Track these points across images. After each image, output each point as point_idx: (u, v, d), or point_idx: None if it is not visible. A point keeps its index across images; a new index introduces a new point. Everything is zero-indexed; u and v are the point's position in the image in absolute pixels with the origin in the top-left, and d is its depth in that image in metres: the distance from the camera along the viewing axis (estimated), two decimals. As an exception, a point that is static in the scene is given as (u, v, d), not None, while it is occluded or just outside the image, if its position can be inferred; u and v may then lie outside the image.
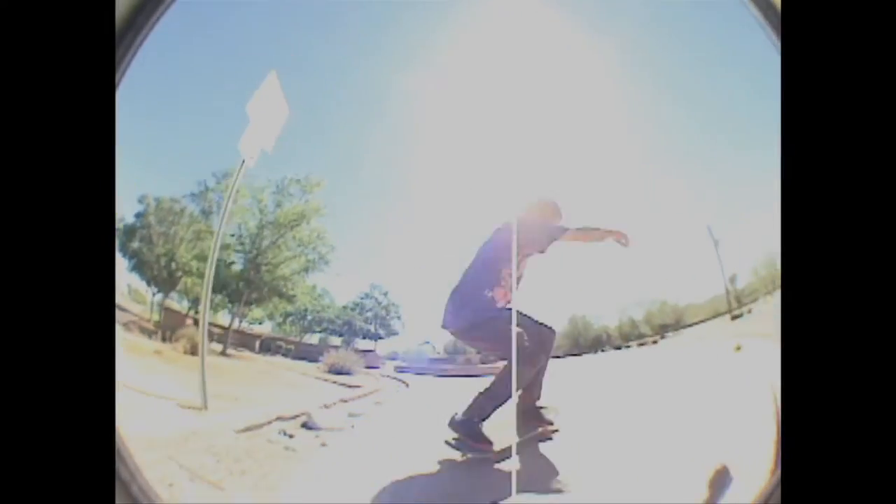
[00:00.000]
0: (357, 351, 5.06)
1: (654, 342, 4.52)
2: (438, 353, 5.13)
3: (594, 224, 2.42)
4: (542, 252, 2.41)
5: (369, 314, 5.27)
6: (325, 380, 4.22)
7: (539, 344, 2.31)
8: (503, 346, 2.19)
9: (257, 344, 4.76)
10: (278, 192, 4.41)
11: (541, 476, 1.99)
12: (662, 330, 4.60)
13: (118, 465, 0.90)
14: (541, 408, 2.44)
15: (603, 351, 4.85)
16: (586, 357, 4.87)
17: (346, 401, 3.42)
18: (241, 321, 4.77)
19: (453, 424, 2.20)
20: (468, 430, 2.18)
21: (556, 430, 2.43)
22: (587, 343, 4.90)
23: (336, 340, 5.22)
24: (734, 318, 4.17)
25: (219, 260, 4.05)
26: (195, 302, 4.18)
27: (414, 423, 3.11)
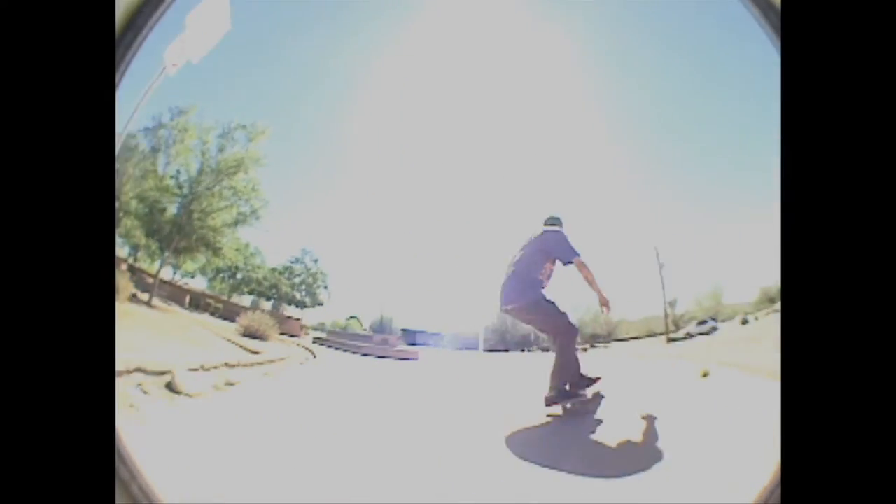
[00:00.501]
0: (278, 316, 4.83)
1: (584, 349, 4.62)
2: (364, 329, 5.05)
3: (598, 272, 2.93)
4: (563, 264, 2.93)
5: (297, 280, 5.07)
6: (234, 342, 3.98)
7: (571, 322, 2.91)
8: (557, 321, 2.80)
9: (187, 299, 4.59)
10: (224, 135, 4.26)
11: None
12: (593, 339, 4.84)
13: (118, 465, 0.90)
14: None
15: (529, 350, 5.01)
16: (512, 354, 5.01)
17: (232, 366, 3.15)
18: (174, 273, 4.62)
19: (550, 401, 2.73)
20: (562, 395, 2.74)
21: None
22: (514, 340, 5.05)
23: (267, 305, 5.02)
24: (670, 340, 4.36)
25: (154, 203, 4.08)
26: (135, 249, 4.17)
27: (291, 403, 2.99)
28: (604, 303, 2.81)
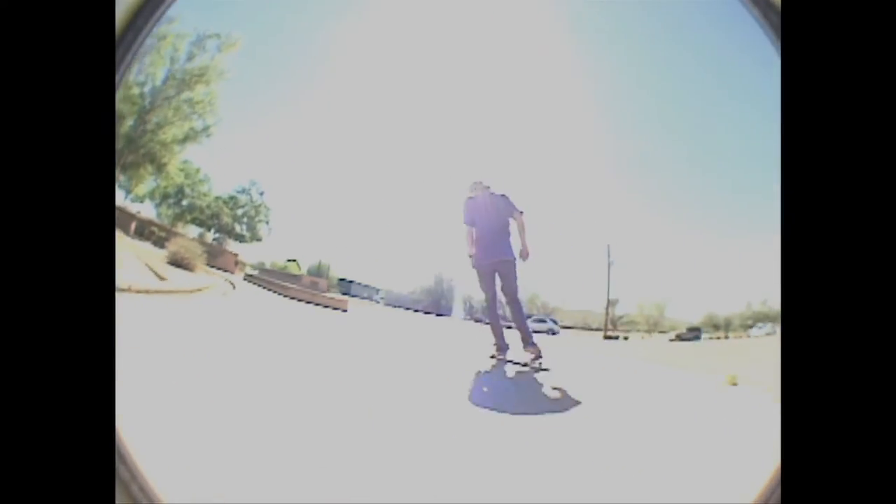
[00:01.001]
0: (212, 248, 4.58)
1: (510, 327, 4.62)
2: (300, 272, 4.87)
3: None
4: (511, 218, 3.45)
5: (240, 212, 4.79)
6: (153, 269, 3.76)
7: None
8: (517, 281, 3.40)
9: (133, 226, 4.32)
10: (196, 43, 4.02)
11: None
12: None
13: (118, 465, 0.90)
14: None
15: (468, 319, 4.83)
16: (443, 318, 4.91)
17: (137, 291, 2.99)
18: (125, 197, 4.33)
19: (531, 346, 3.33)
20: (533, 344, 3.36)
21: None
22: (448, 306, 4.93)
23: (211, 237, 4.79)
24: (607, 337, 4.45)
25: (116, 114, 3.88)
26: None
27: (189, 334, 2.92)
28: (525, 254, 3.35)
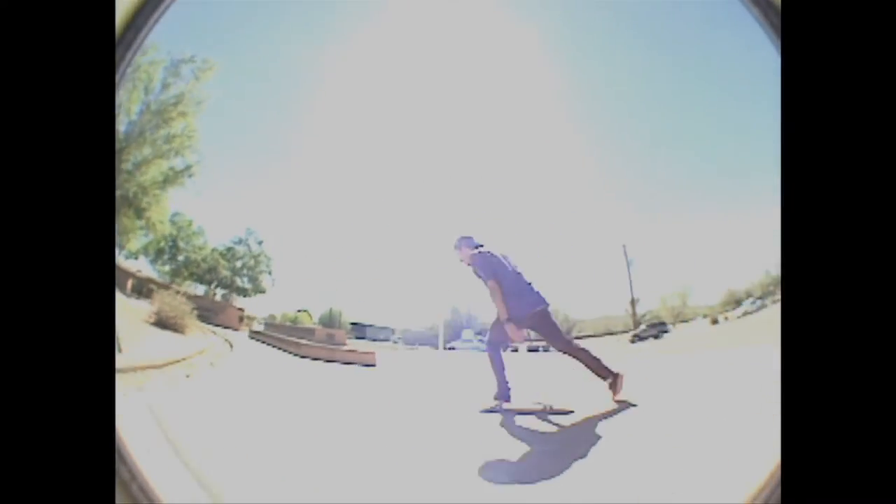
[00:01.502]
0: (212, 304, 4.08)
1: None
2: (312, 322, 4.24)
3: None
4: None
5: (238, 263, 4.37)
6: (141, 332, 3.10)
7: None
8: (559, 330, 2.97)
9: (129, 283, 3.76)
10: (170, 68, 3.60)
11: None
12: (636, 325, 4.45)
13: (118, 465, 0.90)
14: None
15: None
16: (472, 352, 4.30)
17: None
18: (119, 252, 3.73)
19: (613, 382, 2.76)
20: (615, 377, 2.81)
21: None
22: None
23: (218, 293, 4.32)
24: (635, 339, 4.22)
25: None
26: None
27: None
28: (506, 323, 2.90)
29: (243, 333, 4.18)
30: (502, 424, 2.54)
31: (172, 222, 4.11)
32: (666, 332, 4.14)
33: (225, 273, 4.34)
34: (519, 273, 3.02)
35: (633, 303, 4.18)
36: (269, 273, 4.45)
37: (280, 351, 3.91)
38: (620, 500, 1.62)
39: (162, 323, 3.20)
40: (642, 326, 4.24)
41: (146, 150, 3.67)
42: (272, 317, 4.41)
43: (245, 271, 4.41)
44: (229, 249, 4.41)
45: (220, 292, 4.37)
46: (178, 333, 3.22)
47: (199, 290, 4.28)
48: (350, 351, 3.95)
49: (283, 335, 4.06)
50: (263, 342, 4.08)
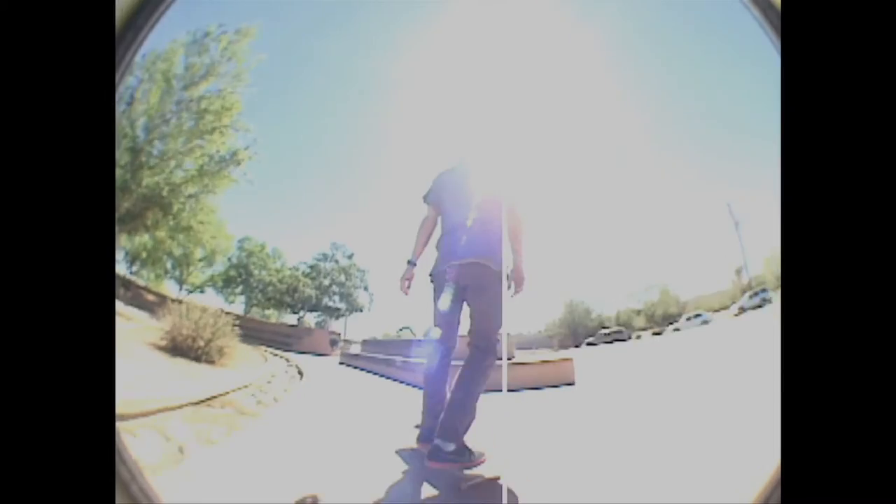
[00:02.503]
0: (286, 329, 3.44)
1: (658, 333, 3.85)
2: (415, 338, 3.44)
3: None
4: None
5: (325, 281, 3.73)
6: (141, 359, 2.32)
7: None
8: (499, 314, 1.92)
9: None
10: (196, 42, 2.89)
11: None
12: (664, 320, 3.96)
13: (118, 465, 0.90)
14: None
15: (610, 342, 4.00)
16: (584, 349, 3.84)
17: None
18: (180, 288, 3.23)
19: (437, 456, 1.71)
20: (459, 452, 1.74)
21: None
22: (585, 332, 3.99)
23: (311, 317, 3.66)
24: (742, 311, 3.69)
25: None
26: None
27: None
28: (519, 278, 1.96)
29: (334, 359, 3.54)
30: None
31: (242, 248, 3.55)
32: (768, 300, 3.58)
33: (309, 292, 3.70)
34: (487, 213, 1.96)
35: (738, 271, 3.61)
36: (365, 288, 3.80)
37: (378, 377, 3.01)
38: (621, 500, 1.62)
39: (177, 345, 2.20)
40: (746, 296, 3.72)
41: (171, 137, 2.90)
42: (374, 339, 3.69)
43: (334, 289, 3.75)
44: (312, 267, 3.81)
45: (312, 317, 3.70)
46: (201, 363, 2.19)
47: (291, 318, 3.63)
48: (545, 362, 2.75)
49: (384, 353, 3.14)
50: (358, 367, 3.34)
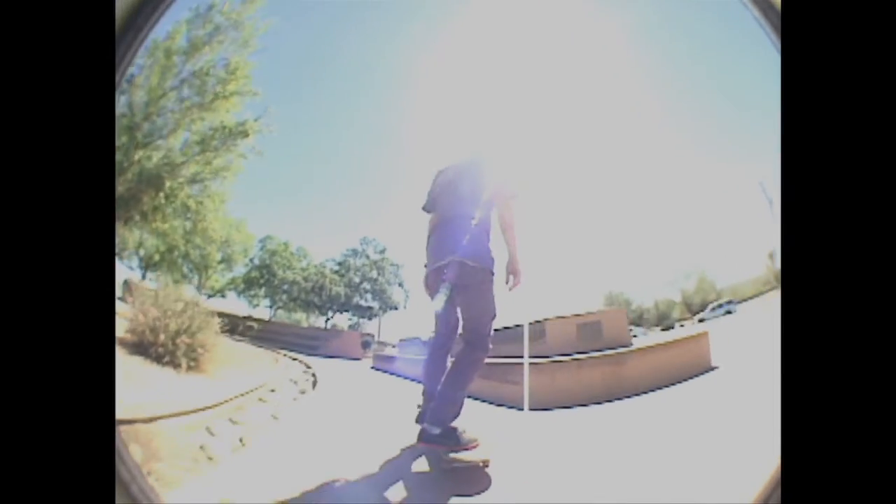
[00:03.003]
0: (310, 331, 3.08)
1: (702, 320, 3.55)
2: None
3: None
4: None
5: (355, 277, 3.37)
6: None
7: None
8: (492, 312, 1.96)
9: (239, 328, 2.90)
10: (198, 17, 2.60)
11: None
12: (702, 307, 3.70)
13: (118, 465, 0.90)
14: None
15: (669, 327, 3.76)
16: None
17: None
18: (198, 291, 2.98)
19: (429, 437, 1.79)
20: (446, 434, 1.82)
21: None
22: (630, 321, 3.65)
23: (343, 319, 3.30)
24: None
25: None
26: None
27: None
28: (515, 272, 1.96)
29: (366, 363, 3.17)
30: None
31: (264, 247, 3.25)
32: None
33: (337, 290, 3.34)
34: (469, 206, 1.97)
35: (771, 255, 3.34)
36: (400, 284, 3.41)
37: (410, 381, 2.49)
38: (621, 500, 1.62)
39: (140, 344, 1.62)
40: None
41: (168, 109, 2.57)
42: (414, 338, 3.33)
43: (366, 286, 3.37)
44: (341, 264, 3.45)
45: (344, 319, 3.34)
46: (162, 365, 1.59)
47: (321, 321, 3.29)
48: (673, 341, 2.21)
49: (409, 349, 2.74)
50: (393, 372, 2.95)
